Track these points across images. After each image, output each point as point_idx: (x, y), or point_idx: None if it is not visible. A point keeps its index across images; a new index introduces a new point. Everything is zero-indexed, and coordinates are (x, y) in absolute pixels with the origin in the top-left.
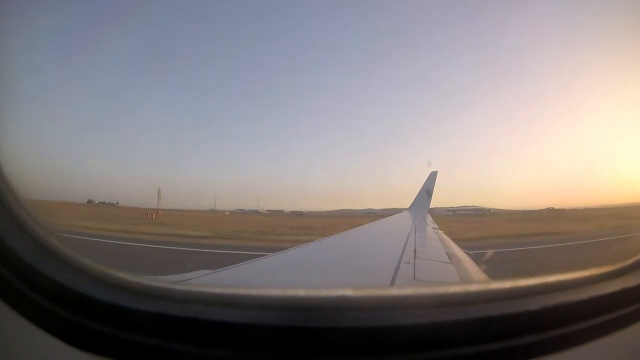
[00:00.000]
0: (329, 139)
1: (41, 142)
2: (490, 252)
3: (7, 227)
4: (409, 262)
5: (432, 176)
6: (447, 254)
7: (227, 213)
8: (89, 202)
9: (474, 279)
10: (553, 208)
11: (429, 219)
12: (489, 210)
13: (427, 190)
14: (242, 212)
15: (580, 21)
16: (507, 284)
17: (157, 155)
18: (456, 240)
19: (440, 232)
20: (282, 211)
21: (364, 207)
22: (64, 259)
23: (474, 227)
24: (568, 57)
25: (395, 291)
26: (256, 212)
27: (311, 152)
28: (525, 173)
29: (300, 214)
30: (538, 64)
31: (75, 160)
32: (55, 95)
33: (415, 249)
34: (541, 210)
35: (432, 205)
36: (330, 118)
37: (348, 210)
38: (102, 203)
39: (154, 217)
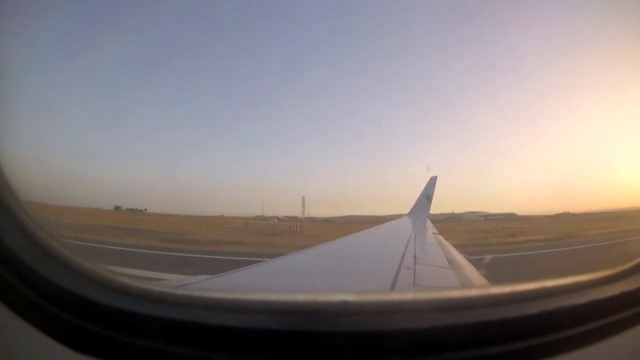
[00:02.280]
0: (331, 142)
1: (50, 145)
2: None
3: (8, 229)
4: (409, 268)
5: (432, 181)
6: (447, 259)
7: (276, 220)
8: (117, 208)
9: (473, 284)
10: (569, 212)
11: (429, 224)
12: (516, 215)
13: (427, 196)
14: (262, 219)
15: (581, 23)
16: (507, 288)
17: (164, 158)
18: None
19: (440, 237)
20: (297, 217)
21: (392, 213)
22: (65, 261)
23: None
24: (571, 58)
25: (395, 296)
26: (276, 218)
27: (311, 156)
28: (528, 176)
29: (326, 220)
30: (541, 66)
31: (87, 163)
32: (55, 96)
33: (415, 254)
34: (558, 215)
35: (457, 211)
36: (333, 122)
37: (373, 215)
38: (130, 209)
39: (298, 228)
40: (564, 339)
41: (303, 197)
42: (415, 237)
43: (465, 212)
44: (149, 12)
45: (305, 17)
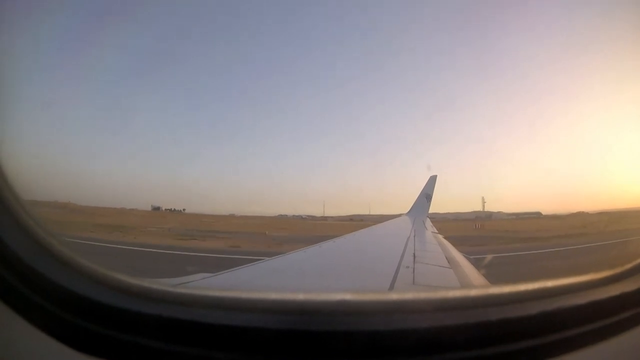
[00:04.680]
0: (333, 143)
1: (65, 147)
2: None
3: (8, 228)
4: (408, 267)
5: (432, 180)
6: (447, 259)
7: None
8: (156, 209)
9: (473, 284)
10: (583, 212)
11: (429, 223)
12: (541, 213)
13: (426, 195)
14: (284, 218)
15: (581, 23)
16: (507, 288)
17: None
18: None
19: (440, 236)
20: (314, 216)
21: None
22: (65, 261)
23: None
24: (572, 58)
25: (394, 295)
26: (300, 217)
27: (314, 156)
28: (530, 177)
29: (350, 219)
30: (542, 66)
31: (113, 165)
32: (69, 100)
33: (414, 253)
34: (574, 214)
35: (487, 209)
36: (333, 121)
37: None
38: (169, 210)
39: (479, 226)
40: (564, 340)
41: (483, 198)
42: (414, 236)
43: (498, 212)
44: (150, 14)
45: (306, 18)
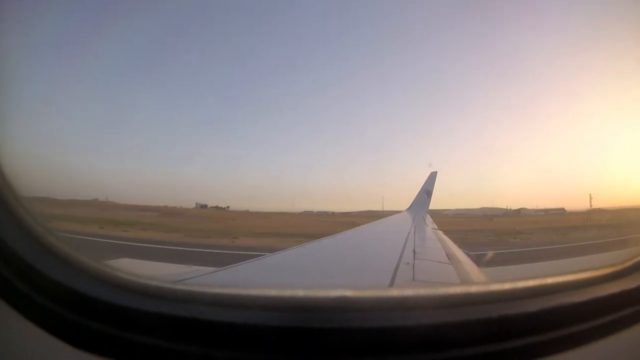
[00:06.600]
0: (340, 141)
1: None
2: None
3: (7, 226)
4: (408, 263)
5: (432, 177)
6: (447, 255)
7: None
8: (203, 206)
9: (473, 280)
10: (601, 208)
11: (429, 219)
12: (565, 210)
13: (426, 191)
14: (310, 213)
15: (582, 20)
16: (507, 285)
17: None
18: None
19: (440, 232)
20: (328, 212)
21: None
22: (65, 258)
23: None
24: (573, 55)
25: (394, 292)
26: (327, 213)
27: (320, 154)
28: (533, 174)
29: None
30: (549, 61)
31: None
32: (63, 97)
33: (414, 250)
34: (592, 210)
35: (496, 205)
36: (334, 118)
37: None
38: (216, 208)
39: (587, 218)
40: (564, 337)
41: (590, 195)
42: (414, 233)
43: (525, 208)
44: (149, 12)
45: (306, 15)
